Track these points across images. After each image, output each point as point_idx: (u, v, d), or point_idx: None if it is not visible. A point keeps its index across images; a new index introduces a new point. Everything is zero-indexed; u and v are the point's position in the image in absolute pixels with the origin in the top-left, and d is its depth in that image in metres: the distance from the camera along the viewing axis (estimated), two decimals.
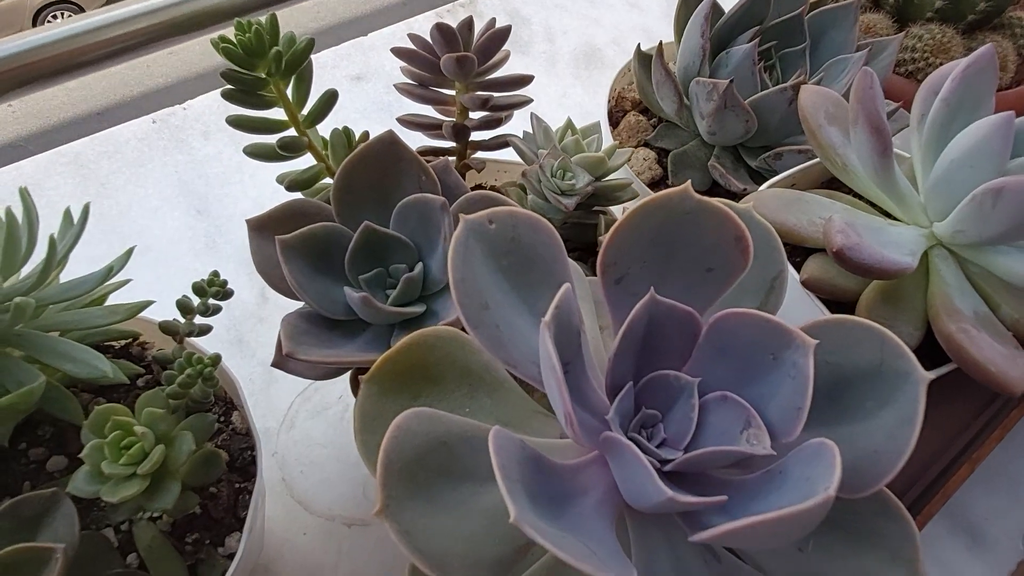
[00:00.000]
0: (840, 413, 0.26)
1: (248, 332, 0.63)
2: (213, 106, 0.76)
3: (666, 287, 0.27)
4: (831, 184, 0.47)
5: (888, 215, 0.42)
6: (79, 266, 0.41)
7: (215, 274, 0.37)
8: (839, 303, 0.39)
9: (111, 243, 0.66)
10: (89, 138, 0.72)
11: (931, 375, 0.24)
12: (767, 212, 0.39)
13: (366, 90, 0.82)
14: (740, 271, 0.27)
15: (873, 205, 0.43)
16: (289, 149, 0.41)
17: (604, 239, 0.27)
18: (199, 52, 0.82)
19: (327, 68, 0.82)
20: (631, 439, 0.26)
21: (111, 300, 0.42)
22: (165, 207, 0.69)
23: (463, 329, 0.29)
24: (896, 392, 0.25)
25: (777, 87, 0.48)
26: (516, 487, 0.21)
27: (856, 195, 0.44)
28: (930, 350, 0.39)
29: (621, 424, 0.26)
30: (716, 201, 0.27)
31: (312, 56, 0.43)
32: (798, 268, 0.40)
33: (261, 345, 0.62)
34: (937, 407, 0.60)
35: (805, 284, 0.39)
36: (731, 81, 0.46)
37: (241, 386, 0.42)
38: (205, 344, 0.41)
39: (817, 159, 0.45)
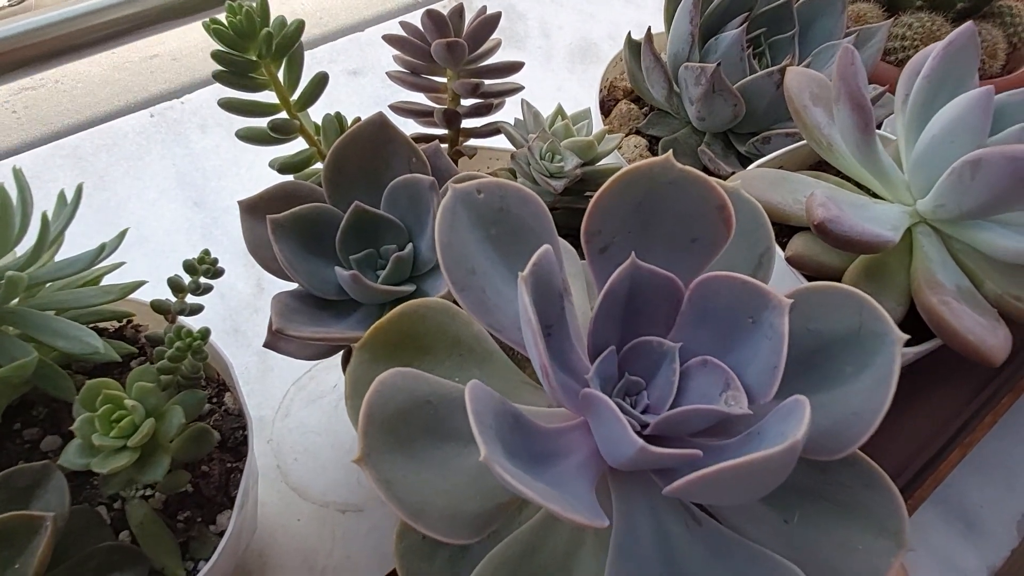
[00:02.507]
0: (821, 379, 0.26)
1: (244, 322, 0.63)
2: (210, 100, 0.77)
3: (651, 257, 0.27)
4: (818, 167, 0.47)
5: (873, 195, 0.42)
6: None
7: (206, 252, 0.37)
8: (824, 280, 0.39)
9: (108, 234, 0.66)
10: (87, 131, 0.73)
11: (906, 336, 0.24)
12: (753, 191, 0.40)
13: (363, 84, 0.82)
14: (724, 241, 0.28)
15: (859, 186, 0.44)
16: (280, 131, 0.41)
17: (588, 207, 0.27)
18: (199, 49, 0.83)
19: (323, 63, 0.83)
20: (614, 403, 0.26)
21: (105, 283, 0.42)
22: (163, 199, 0.70)
23: (453, 301, 0.29)
24: (874, 355, 0.25)
25: (765, 71, 0.48)
26: (489, 432, 0.21)
27: (843, 177, 0.44)
28: (913, 327, 0.39)
29: (602, 387, 0.27)
30: (698, 172, 0.28)
31: (308, 51, 0.43)
32: (783, 247, 0.40)
33: (257, 335, 0.62)
34: (928, 393, 0.60)
35: (790, 261, 0.39)
36: (719, 64, 0.46)
37: (233, 366, 0.43)
38: None
39: (804, 142, 0.45)
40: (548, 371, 0.23)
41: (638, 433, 0.25)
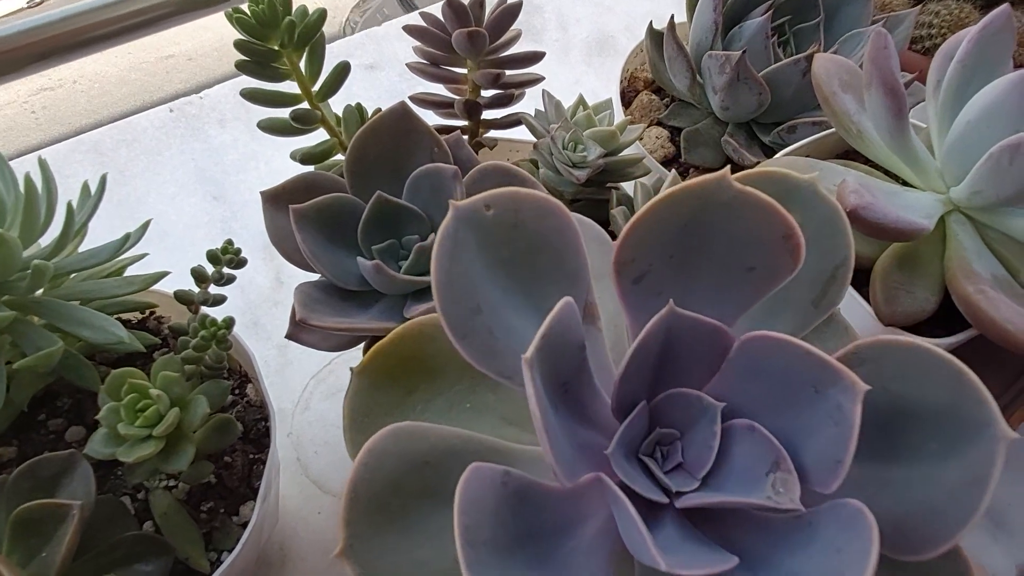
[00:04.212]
0: (896, 451, 0.22)
1: (264, 315, 0.63)
2: (229, 95, 0.77)
3: (695, 287, 0.24)
4: (846, 156, 0.47)
5: (904, 184, 0.41)
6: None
7: (229, 242, 0.37)
8: (855, 270, 0.38)
9: (129, 228, 0.67)
10: (108, 127, 0.73)
11: (1017, 436, 0.20)
12: None
13: (380, 79, 0.82)
14: (788, 272, 0.23)
15: (889, 175, 0.43)
16: (302, 121, 0.41)
17: (621, 234, 0.23)
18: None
19: (340, 57, 0.83)
20: (640, 460, 0.24)
21: (128, 275, 0.42)
22: (182, 194, 0.70)
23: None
24: (967, 444, 0.21)
25: (791, 59, 0.47)
26: (480, 551, 0.19)
27: (872, 165, 0.44)
28: (947, 318, 0.38)
29: (627, 451, 0.23)
30: (760, 192, 0.23)
31: (326, 46, 0.43)
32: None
33: (277, 328, 0.62)
34: None
35: None
36: (743, 52, 0.45)
37: (256, 358, 0.43)
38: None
39: (832, 129, 0.45)
40: (557, 470, 0.20)
41: (663, 505, 0.22)
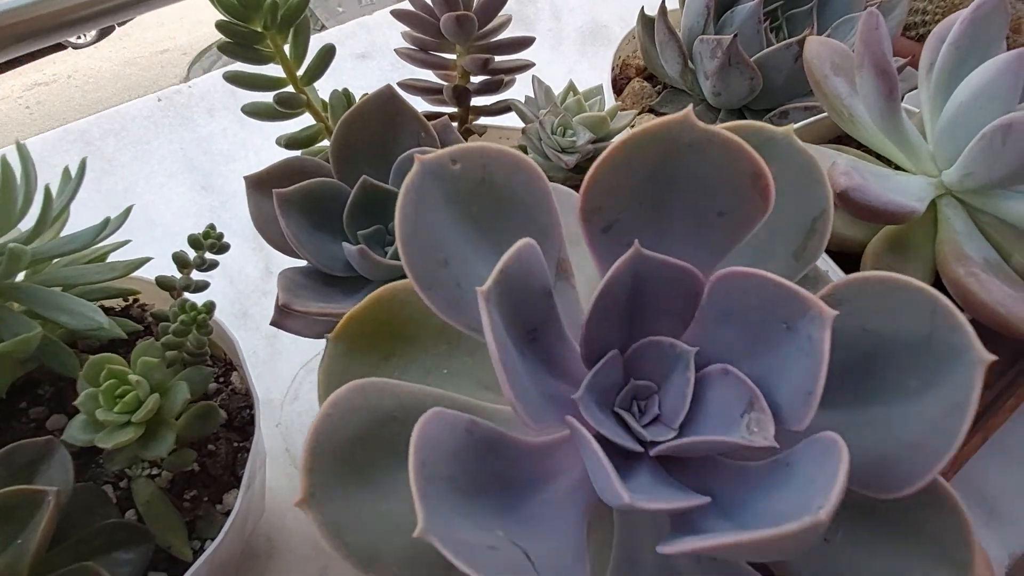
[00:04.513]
0: (877, 390, 0.22)
1: (252, 305, 0.63)
2: (218, 84, 0.76)
3: (667, 235, 0.23)
4: (838, 141, 0.46)
5: (896, 168, 0.41)
6: None
7: (211, 227, 0.37)
8: (846, 255, 0.38)
9: None
10: (95, 116, 0.73)
11: (992, 357, 0.20)
12: None
13: (371, 68, 0.81)
14: (759, 215, 0.23)
15: (881, 159, 0.42)
16: (286, 105, 0.40)
17: (585, 180, 0.23)
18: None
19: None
20: (616, 415, 0.23)
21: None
22: (171, 183, 0.69)
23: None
24: (946, 373, 0.20)
25: (783, 43, 0.47)
26: (436, 486, 0.19)
27: (865, 150, 0.43)
28: None
29: (601, 398, 0.23)
30: (726, 131, 0.23)
31: (316, 35, 0.42)
32: None
33: (265, 318, 0.61)
34: None
35: None
36: (735, 36, 0.45)
37: (240, 345, 0.42)
38: None
39: (824, 114, 0.44)
40: (519, 409, 0.19)
41: (639, 455, 0.22)
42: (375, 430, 0.23)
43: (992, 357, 0.20)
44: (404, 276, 0.40)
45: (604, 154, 0.22)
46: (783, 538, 0.16)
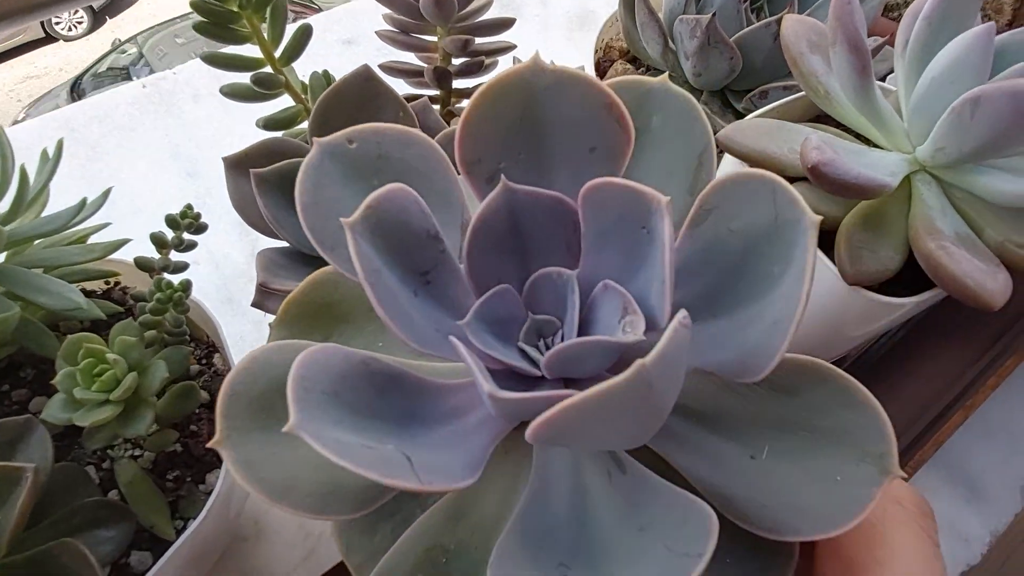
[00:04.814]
0: (751, 287, 0.23)
1: (239, 291, 0.63)
2: (203, 70, 0.76)
3: (548, 177, 0.24)
4: (817, 120, 0.46)
5: (873, 146, 0.41)
6: None
7: (188, 206, 0.37)
8: (822, 232, 0.38)
9: (103, 208, 0.67)
10: (79, 103, 0.72)
11: (820, 217, 0.21)
12: (746, 141, 0.39)
13: (357, 54, 0.81)
14: (625, 146, 0.24)
15: (860, 138, 0.43)
16: (264, 85, 0.40)
17: (456, 133, 0.24)
18: None
19: (318, 32, 0.82)
20: (521, 350, 0.24)
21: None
22: (155, 170, 0.69)
23: None
24: (793, 247, 0.21)
25: (762, 22, 0.47)
26: (316, 398, 0.19)
27: (843, 129, 0.43)
28: (912, 278, 0.38)
29: (496, 330, 0.24)
30: (577, 70, 0.24)
31: (305, 20, 0.42)
32: None
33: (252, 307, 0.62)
34: (930, 355, 0.59)
35: None
36: (714, 15, 0.45)
37: (222, 327, 0.42)
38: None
39: (801, 93, 0.44)
40: (390, 325, 0.20)
41: (539, 379, 0.23)
42: None
43: (819, 217, 0.20)
44: None
45: (468, 107, 0.23)
46: (611, 392, 0.17)
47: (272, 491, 0.21)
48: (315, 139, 0.24)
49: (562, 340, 0.24)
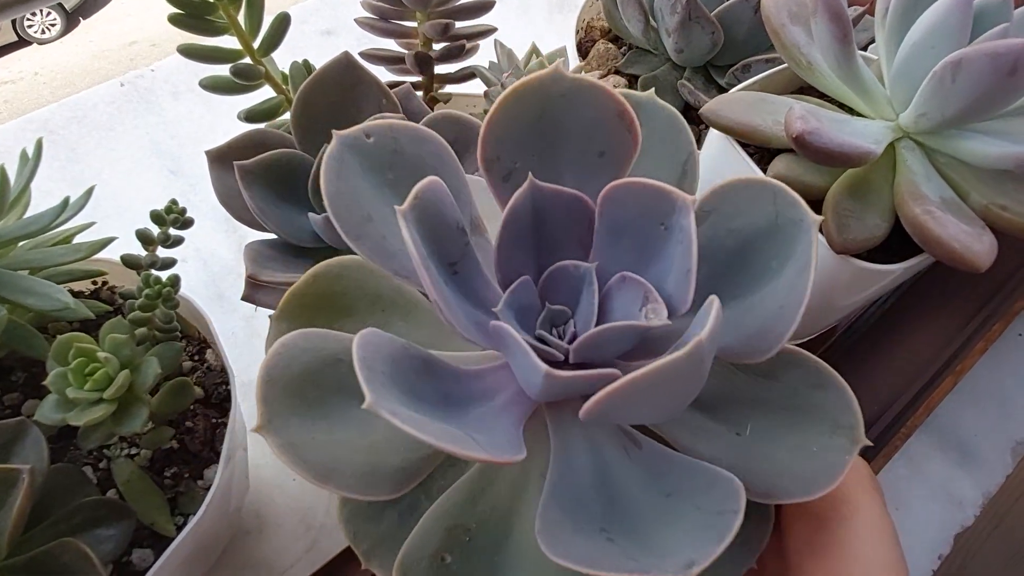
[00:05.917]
0: (750, 280, 0.25)
1: (228, 288, 0.62)
2: (182, 67, 0.75)
3: (560, 178, 0.26)
4: (800, 92, 0.46)
5: (857, 115, 0.41)
6: None
7: (173, 201, 0.36)
8: (808, 202, 0.38)
9: (86, 209, 0.66)
10: (57, 104, 0.71)
11: (820, 217, 0.23)
12: (730, 114, 0.39)
13: (336, 44, 0.80)
14: (631, 151, 0.26)
15: (842, 108, 0.43)
16: (244, 76, 0.40)
17: (480, 133, 0.25)
18: None
19: (296, 23, 0.81)
20: (538, 337, 0.25)
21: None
22: (138, 169, 0.68)
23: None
24: (794, 243, 0.23)
25: None
26: (379, 378, 0.20)
27: (826, 99, 0.43)
28: (900, 245, 0.38)
29: (520, 319, 0.25)
30: (592, 79, 0.26)
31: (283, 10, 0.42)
32: (765, 171, 0.40)
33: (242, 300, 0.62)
34: (920, 321, 0.60)
35: None
36: None
37: (213, 322, 0.42)
38: None
39: (784, 65, 0.44)
40: (442, 304, 0.21)
41: (561, 363, 0.24)
42: (324, 369, 0.24)
43: (819, 217, 0.23)
44: None
45: (493, 108, 0.25)
46: (675, 364, 0.18)
47: (317, 473, 0.22)
48: (334, 132, 0.25)
49: (574, 328, 0.25)
